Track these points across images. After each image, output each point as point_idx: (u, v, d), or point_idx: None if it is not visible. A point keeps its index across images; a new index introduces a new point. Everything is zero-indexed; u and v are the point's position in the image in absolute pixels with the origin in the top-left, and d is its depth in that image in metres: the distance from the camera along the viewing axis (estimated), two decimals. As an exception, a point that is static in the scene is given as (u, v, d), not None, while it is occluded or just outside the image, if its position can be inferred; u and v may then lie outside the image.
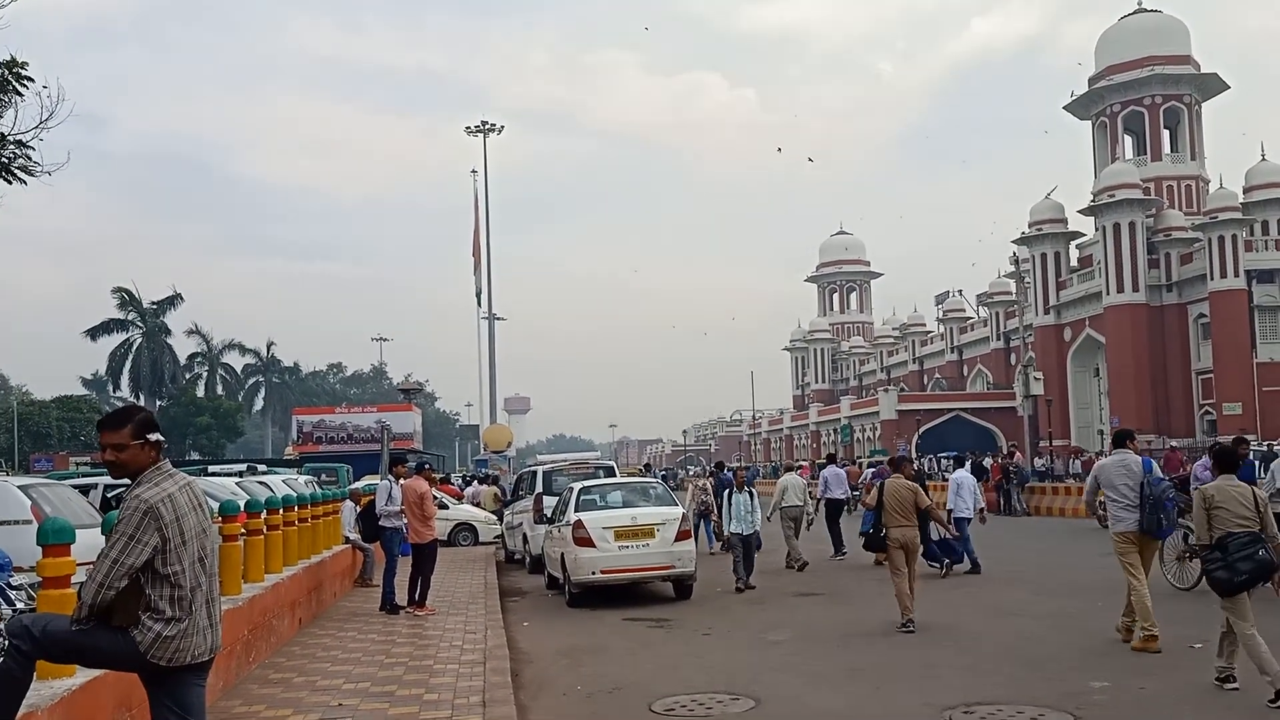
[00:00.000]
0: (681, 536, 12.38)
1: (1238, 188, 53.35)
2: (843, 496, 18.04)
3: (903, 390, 73.05)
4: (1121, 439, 9.23)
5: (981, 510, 15.07)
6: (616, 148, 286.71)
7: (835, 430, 77.13)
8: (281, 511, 10.40)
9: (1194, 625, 9.00)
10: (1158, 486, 8.57)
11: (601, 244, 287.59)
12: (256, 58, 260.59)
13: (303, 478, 20.59)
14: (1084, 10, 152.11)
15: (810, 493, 17.52)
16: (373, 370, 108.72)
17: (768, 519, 15.26)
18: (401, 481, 11.99)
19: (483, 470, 38.60)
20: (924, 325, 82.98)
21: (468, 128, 38.71)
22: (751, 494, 13.86)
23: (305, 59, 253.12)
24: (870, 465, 30.10)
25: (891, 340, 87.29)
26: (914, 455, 55.83)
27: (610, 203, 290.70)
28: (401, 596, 11.63)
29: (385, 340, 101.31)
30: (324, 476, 25.76)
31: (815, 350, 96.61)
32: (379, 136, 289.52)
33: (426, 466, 13.28)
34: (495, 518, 22.09)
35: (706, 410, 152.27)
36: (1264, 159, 55.66)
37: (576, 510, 12.73)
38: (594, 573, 12.23)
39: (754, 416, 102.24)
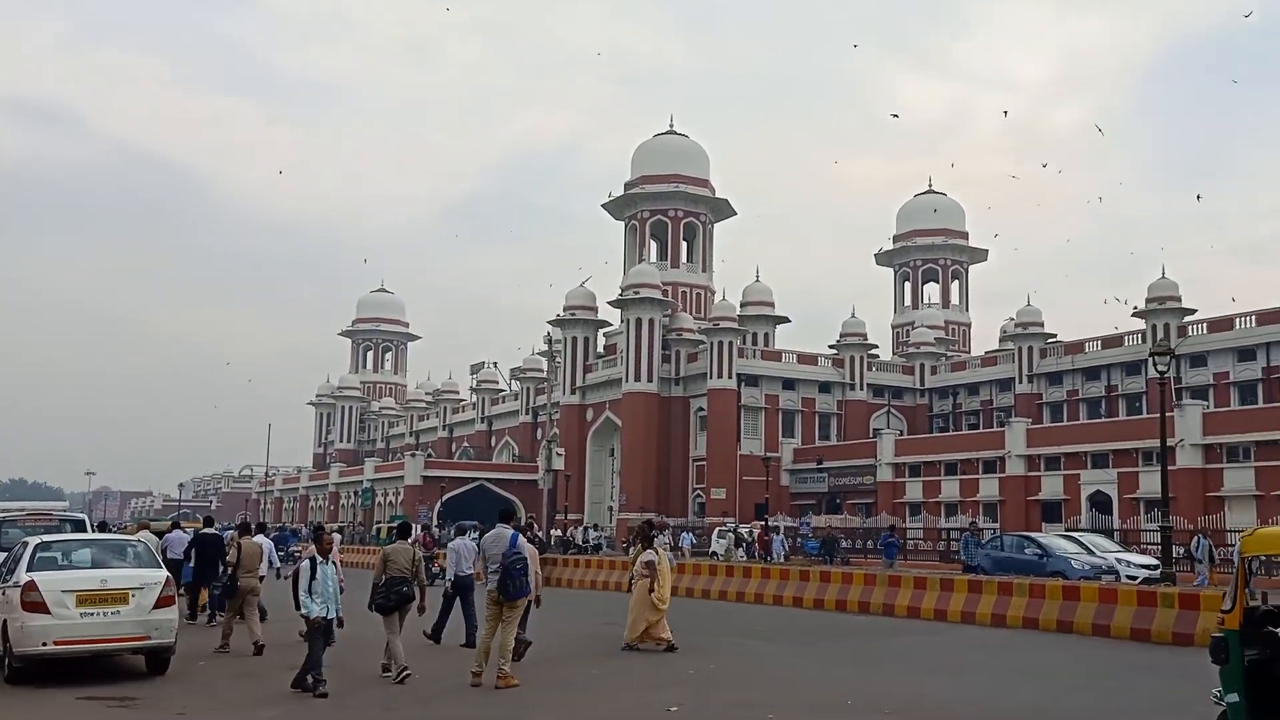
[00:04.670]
0: (162, 603, 10.91)
1: (737, 301, 61.17)
2: (179, 558, 18.58)
3: (430, 456, 72.53)
4: (504, 517, 11.44)
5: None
6: (130, 161, 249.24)
7: (357, 493, 74.12)
8: None
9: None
10: (509, 557, 10.47)
11: (97, 266, 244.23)
12: None
13: None
14: (624, 123, 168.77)
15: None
16: None
17: None
18: None
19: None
20: (457, 392, 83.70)
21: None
22: (336, 564, 10.99)
23: None
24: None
25: (424, 405, 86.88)
26: (435, 521, 55.16)
27: (116, 221, 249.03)
28: None
29: None
30: None
31: (343, 408, 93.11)
32: None
33: None
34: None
35: (212, 463, 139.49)
36: (758, 280, 64.70)
37: (30, 569, 10.70)
38: (46, 643, 10.31)
39: (267, 473, 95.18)
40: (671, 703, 9.58)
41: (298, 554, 25.08)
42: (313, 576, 10.20)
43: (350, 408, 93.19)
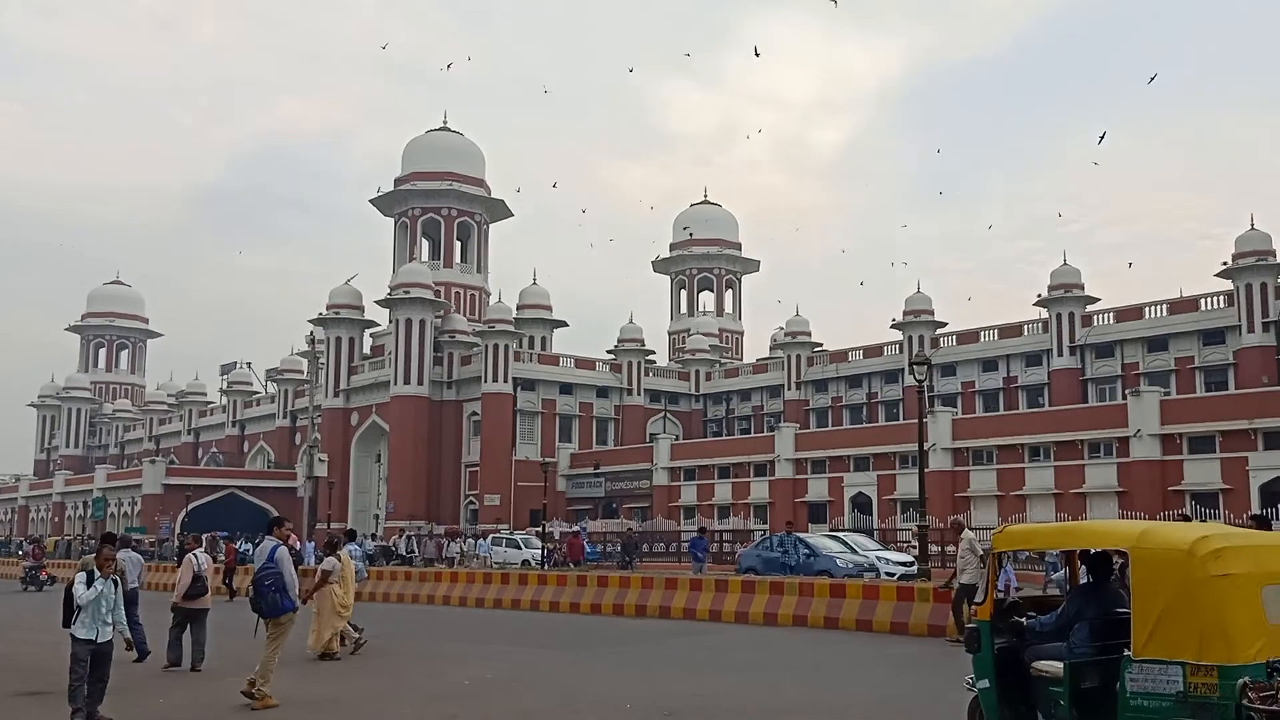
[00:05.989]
0: None
1: (513, 304, 59.89)
2: None
3: (173, 463, 66.45)
4: (269, 526, 10.66)
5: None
6: None
7: (87, 503, 66.67)
8: None
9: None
10: (260, 572, 9.74)
11: None
12: None
13: None
14: (394, 118, 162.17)
15: None
16: None
17: None
18: None
19: None
20: (205, 395, 77.45)
21: None
22: (116, 582, 8.87)
23: None
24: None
25: (165, 407, 79.98)
26: (179, 532, 50.14)
27: None
28: None
29: None
30: None
31: (70, 410, 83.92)
32: None
33: None
34: None
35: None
36: (535, 283, 63.83)
37: None
38: None
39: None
40: (448, 714, 8.99)
41: None
42: (89, 591, 8.52)
43: (79, 410, 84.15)
